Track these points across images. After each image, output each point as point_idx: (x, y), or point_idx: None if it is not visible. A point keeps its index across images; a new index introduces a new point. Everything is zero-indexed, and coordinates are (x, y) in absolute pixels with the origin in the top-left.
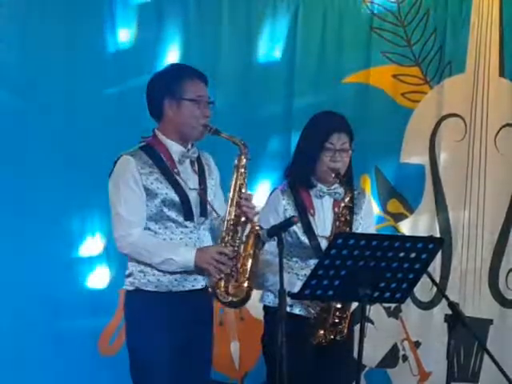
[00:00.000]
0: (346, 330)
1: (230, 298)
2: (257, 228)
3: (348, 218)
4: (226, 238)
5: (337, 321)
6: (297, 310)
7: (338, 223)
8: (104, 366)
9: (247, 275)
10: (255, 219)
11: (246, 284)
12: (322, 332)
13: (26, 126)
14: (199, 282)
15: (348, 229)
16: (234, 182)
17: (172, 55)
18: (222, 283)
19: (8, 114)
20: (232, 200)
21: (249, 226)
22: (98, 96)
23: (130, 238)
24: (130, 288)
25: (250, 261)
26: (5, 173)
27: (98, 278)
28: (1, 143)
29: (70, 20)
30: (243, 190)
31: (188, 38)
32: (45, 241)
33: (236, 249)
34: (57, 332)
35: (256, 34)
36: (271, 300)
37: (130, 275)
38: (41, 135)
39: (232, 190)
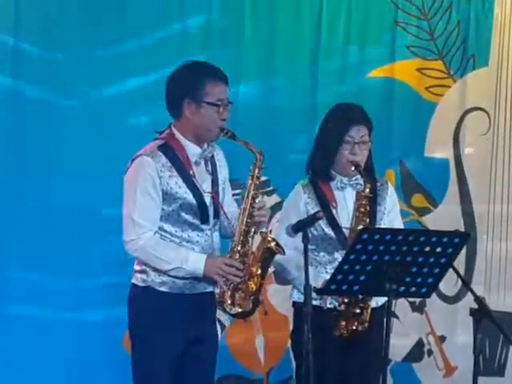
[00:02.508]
0: (367, 321)
1: (236, 309)
2: (269, 239)
3: (368, 208)
4: (236, 248)
5: (358, 311)
6: (327, 304)
7: (357, 214)
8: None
9: (255, 288)
10: (269, 232)
11: (252, 296)
12: (343, 323)
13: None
14: (211, 286)
15: (368, 220)
16: (247, 192)
17: (195, 47)
18: (229, 294)
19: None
20: (245, 210)
21: (260, 238)
22: (119, 89)
23: (139, 241)
24: (141, 284)
25: (258, 273)
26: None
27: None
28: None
29: (89, 13)
30: (257, 200)
31: (211, 29)
32: (73, 231)
33: (245, 259)
34: (82, 326)
35: (280, 28)
36: (300, 296)
37: (143, 272)
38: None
39: (245, 200)
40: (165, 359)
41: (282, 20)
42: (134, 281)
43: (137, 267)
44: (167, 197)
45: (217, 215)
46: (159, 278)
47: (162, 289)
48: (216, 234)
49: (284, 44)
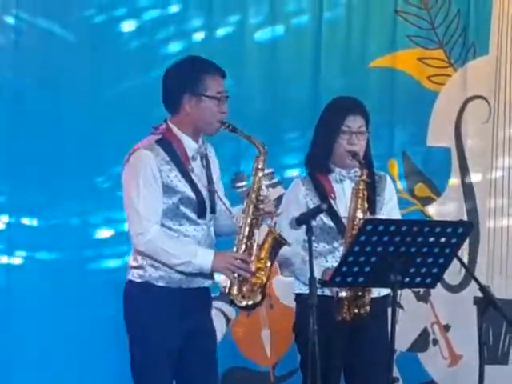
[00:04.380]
0: (368, 304)
1: (245, 302)
2: (274, 231)
3: (366, 193)
4: (243, 241)
5: (360, 294)
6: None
7: (355, 199)
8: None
9: (262, 280)
10: (274, 225)
11: (260, 288)
12: (345, 307)
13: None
14: (207, 281)
15: (367, 205)
16: (252, 185)
17: (196, 34)
18: (237, 287)
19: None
20: (251, 202)
21: (266, 230)
22: (119, 82)
23: (147, 235)
24: (138, 280)
25: (266, 265)
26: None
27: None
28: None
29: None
30: (261, 193)
31: (211, 17)
32: (77, 217)
33: (252, 252)
34: (84, 311)
35: (281, 18)
36: (302, 287)
37: (139, 267)
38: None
39: (251, 193)
40: (163, 353)
41: (282, 9)
42: (129, 277)
43: (133, 263)
44: (167, 189)
45: (213, 210)
46: (156, 273)
47: (160, 283)
48: (212, 229)
49: (285, 35)
